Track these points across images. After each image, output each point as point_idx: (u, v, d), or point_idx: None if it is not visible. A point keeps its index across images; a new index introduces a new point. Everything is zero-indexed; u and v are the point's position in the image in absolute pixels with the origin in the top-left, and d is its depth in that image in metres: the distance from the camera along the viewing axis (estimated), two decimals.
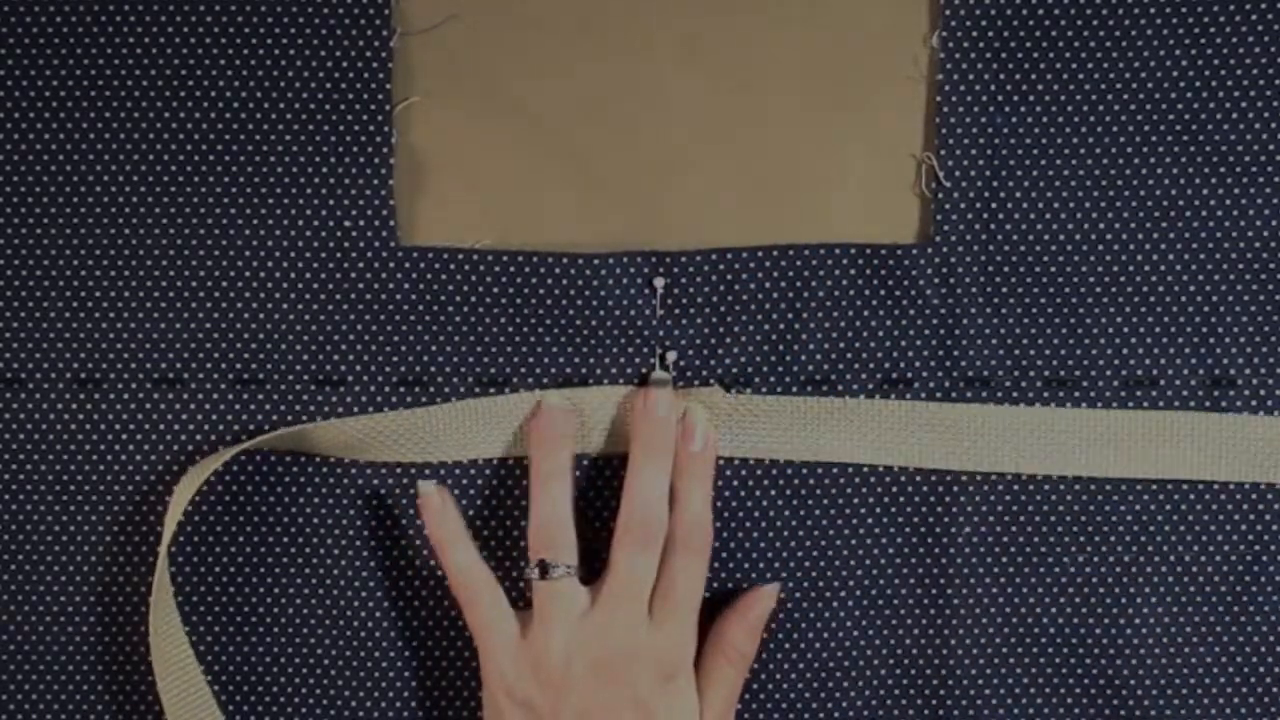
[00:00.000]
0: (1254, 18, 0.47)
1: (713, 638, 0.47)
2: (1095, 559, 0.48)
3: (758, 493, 0.48)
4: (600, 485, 0.49)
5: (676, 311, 0.48)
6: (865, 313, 0.48)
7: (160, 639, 0.47)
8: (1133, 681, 0.48)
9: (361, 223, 0.48)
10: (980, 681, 0.48)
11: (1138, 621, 0.48)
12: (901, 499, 0.48)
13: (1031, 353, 0.48)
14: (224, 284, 0.49)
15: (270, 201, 0.48)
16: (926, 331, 0.48)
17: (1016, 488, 0.48)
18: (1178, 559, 0.48)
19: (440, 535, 0.46)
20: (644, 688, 0.44)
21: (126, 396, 0.49)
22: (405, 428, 0.48)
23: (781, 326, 0.48)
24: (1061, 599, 0.48)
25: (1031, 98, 0.47)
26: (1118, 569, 0.48)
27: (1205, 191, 0.47)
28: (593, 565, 0.46)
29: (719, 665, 0.46)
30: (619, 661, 0.44)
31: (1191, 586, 0.48)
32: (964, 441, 0.48)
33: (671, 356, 0.48)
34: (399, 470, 0.49)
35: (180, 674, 0.48)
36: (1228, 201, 0.47)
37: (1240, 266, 0.47)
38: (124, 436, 0.49)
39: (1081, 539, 0.48)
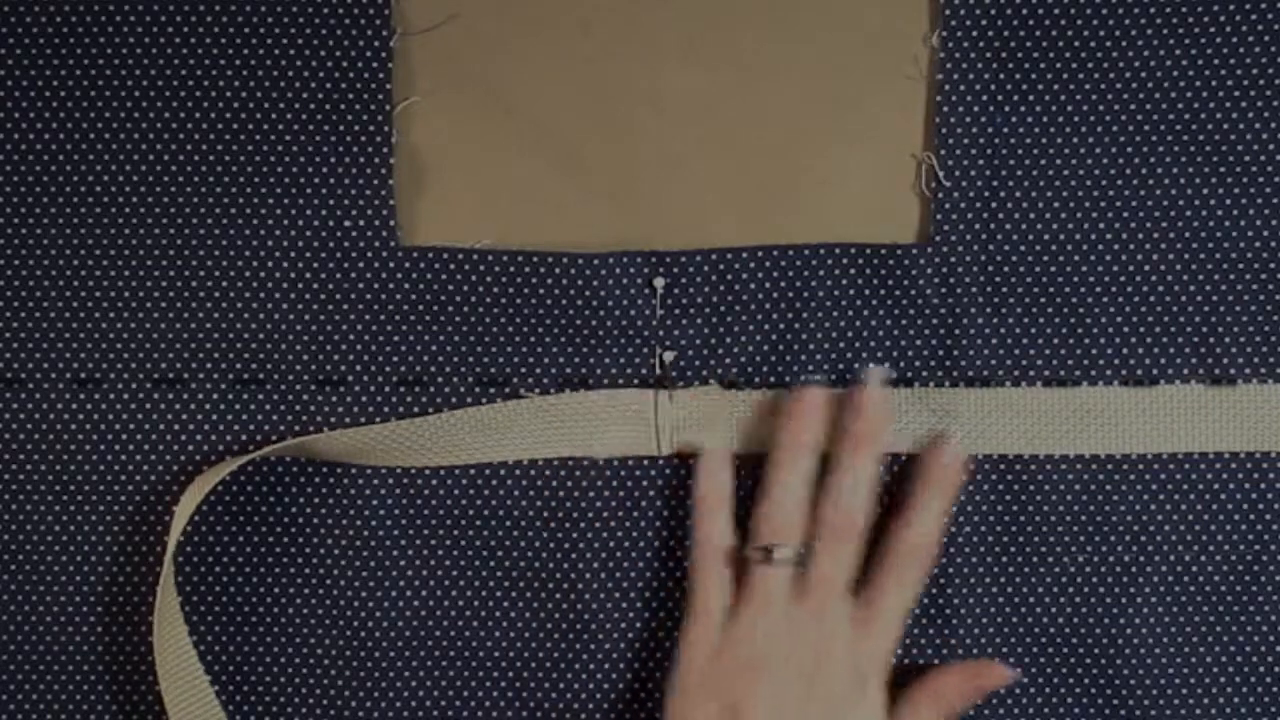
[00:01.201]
0: (1254, 18, 0.47)
1: (930, 677, 0.47)
2: (1095, 558, 0.48)
3: (758, 492, 0.48)
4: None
5: (676, 311, 0.48)
6: (865, 313, 0.48)
7: (165, 648, 0.47)
8: (1132, 681, 0.48)
9: (361, 223, 0.48)
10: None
11: (1137, 621, 0.48)
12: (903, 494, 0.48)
13: (1031, 352, 0.48)
14: (224, 284, 0.49)
15: (270, 201, 0.48)
16: (926, 331, 0.48)
17: (1017, 486, 0.48)
18: (1178, 558, 0.48)
19: (709, 496, 0.47)
20: (838, 686, 0.44)
21: (126, 396, 0.49)
22: (407, 435, 0.48)
23: (781, 326, 0.48)
24: (1061, 598, 0.48)
25: (1031, 98, 0.47)
26: (1118, 568, 0.48)
27: (1205, 191, 0.47)
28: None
29: (924, 702, 0.46)
30: (818, 655, 0.44)
31: (1191, 586, 0.48)
32: (965, 425, 0.48)
33: (670, 356, 0.48)
34: (400, 473, 0.49)
35: (185, 680, 0.48)
36: (1228, 201, 0.47)
37: (1240, 266, 0.47)
38: (124, 436, 0.49)
39: (1082, 538, 0.48)
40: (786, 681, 0.44)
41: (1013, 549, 0.48)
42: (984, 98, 0.47)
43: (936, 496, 0.46)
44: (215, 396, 0.49)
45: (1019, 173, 0.47)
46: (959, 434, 0.48)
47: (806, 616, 0.45)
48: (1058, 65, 0.47)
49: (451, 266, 0.48)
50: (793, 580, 0.45)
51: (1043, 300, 0.48)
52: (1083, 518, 0.48)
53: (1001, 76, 0.47)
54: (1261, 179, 0.47)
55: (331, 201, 0.48)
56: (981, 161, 0.48)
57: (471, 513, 0.49)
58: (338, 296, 0.49)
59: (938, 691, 0.46)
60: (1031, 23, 0.47)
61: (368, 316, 0.49)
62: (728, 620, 0.45)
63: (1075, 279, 0.48)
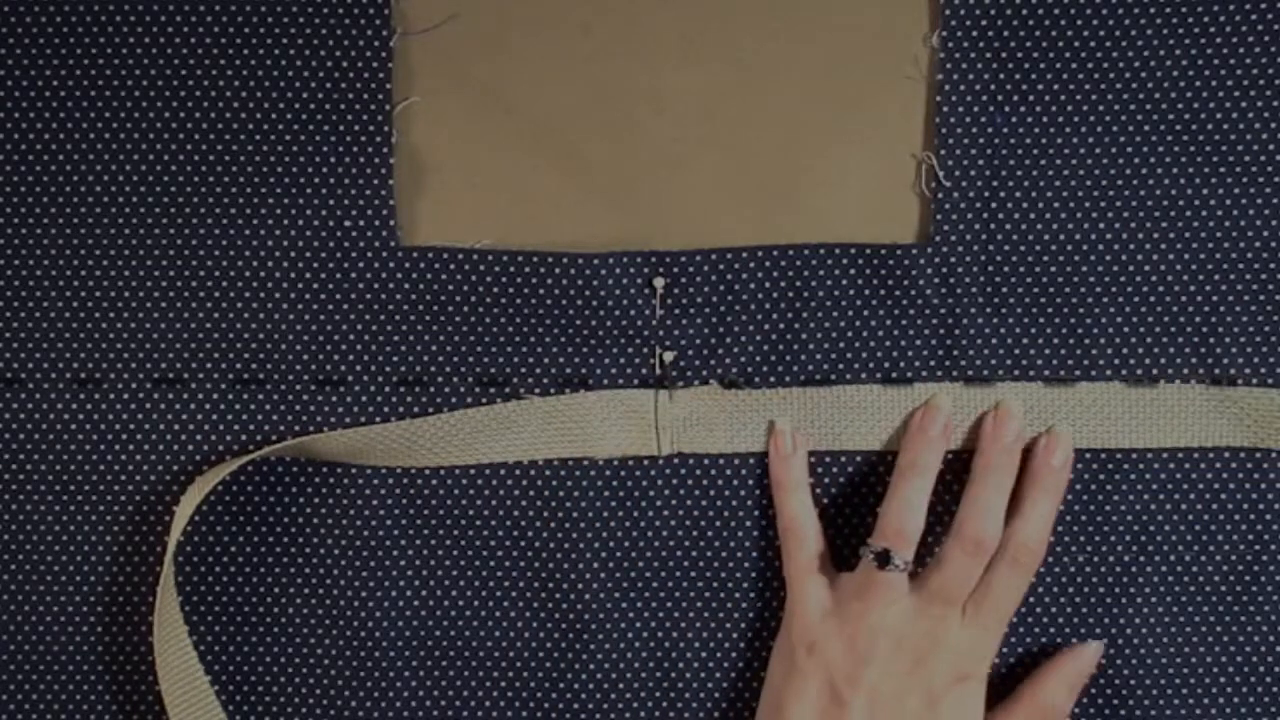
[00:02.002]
0: (1254, 18, 0.47)
1: (1030, 686, 0.47)
2: (1095, 556, 0.48)
3: (758, 491, 0.48)
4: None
5: (676, 311, 0.48)
6: (865, 313, 0.48)
7: (165, 646, 0.47)
8: (1132, 681, 0.48)
9: (361, 223, 0.48)
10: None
11: (1137, 620, 0.48)
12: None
13: (1031, 352, 0.48)
14: (224, 284, 0.49)
15: (270, 201, 0.48)
16: (926, 331, 0.48)
17: None
18: (1178, 557, 0.48)
19: (782, 477, 0.47)
20: (938, 680, 0.45)
21: (126, 396, 0.49)
22: (407, 435, 0.48)
23: (781, 326, 0.48)
24: (1061, 598, 0.48)
25: (1031, 98, 0.47)
26: (1118, 567, 0.48)
27: (1205, 191, 0.47)
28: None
29: (1029, 713, 0.46)
30: (923, 649, 0.45)
31: (1191, 586, 0.48)
32: (967, 422, 0.48)
33: (670, 356, 0.48)
34: (400, 473, 0.49)
35: (185, 680, 0.48)
36: (1228, 201, 0.47)
37: (1240, 266, 0.47)
38: (124, 436, 0.49)
39: (1082, 537, 0.48)
40: (891, 672, 0.45)
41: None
42: (984, 98, 0.47)
43: (1046, 497, 0.46)
44: (215, 396, 0.49)
45: (1019, 173, 0.47)
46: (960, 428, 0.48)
47: (923, 613, 0.45)
48: (1058, 65, 0.47)
49: (451, 266, 0.48)
50: (913, 579, 0.46)
51: (1043, 300, 0.48)
52: (1083, 517, 0.48)
53: (1001, 76, 0.47)
54: (1261, 179, 0.47)
55: (331, 201, 0.48)
56: (981, 161, 0.48)
57: (471, 513, 0.49)
58: (338, 296, 0.48)
59: (1041, 695, 0.46)
60: (1031, 23, 0.47)
61: (368, 316, 0.49)
62: (842, 604, 0.46)
63: (1075, 279, 0.48)
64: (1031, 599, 0.48)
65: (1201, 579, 0.48)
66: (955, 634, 0.45)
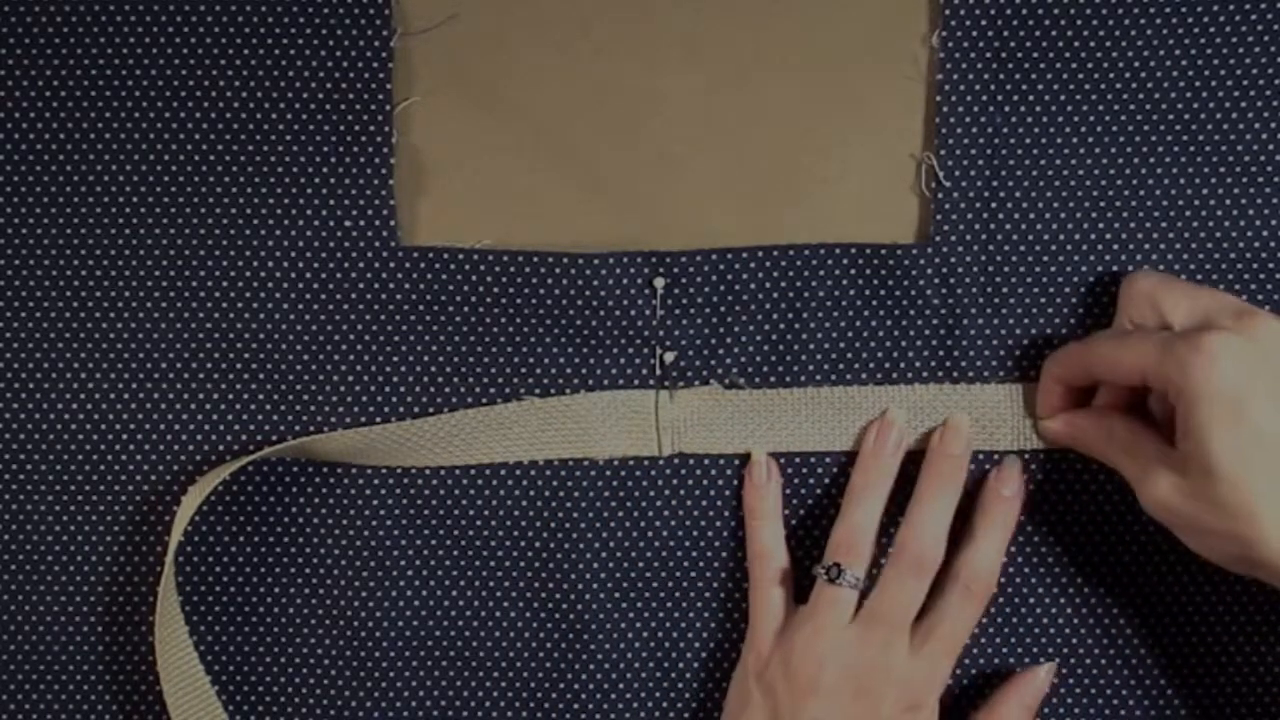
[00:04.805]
0: (1254, 18, 0.47)
1: (985, 712, 0.47)
2: (1095, 557, 0.48)
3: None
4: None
5: (676, 311, 0.48)
6: (865, 313, 0.48)
7: (166, 647, 0.47)
8: (1133, 681, 0.48)
9: (361, 223, 0.48)
10: (978, 674, 0.48)
11: (1137, 621, 0.48)
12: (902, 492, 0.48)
13: (1032, 353, 0.48)
14: (224, 284, 0.49)
15: (270, 202, 0.48)
16: (926, 331, 0.48)
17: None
18: (1177, 558, 0.48)
19: (756, 506, 0.47)
20: (887, 710, 0.44)
21: (126, 396, 0.49)
22: (407, 435, 0.48)
23: (781, 326, 0.48)
24: (1062, 598, 0.48)
25: (1031, 98, 0.47)
26: (1118, 568, 0.48)
27: (1205, 191, 0.47)
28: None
29: None
30: (869, 678, 0.44)
31: (1191, 586, 0.48)
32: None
33: (670, 356, 0.48)
34: (400, 473, 0.49)
35: (185, 680, 0.48)
36: (1228, 201, 0.47)
37: (1240, 266, 0.47)
38: (124, 436, 0.49)
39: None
40: (837, 702, 0.44)
41: (1011, 548, 0.48)
42: (984, 98, 0.47)
43: (997, 529, 0.46)
44: (215, 396, 0.49)
45: (1019, 173, 0.47)
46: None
47: (867, 638, 0.44)
48: (1058, 65, 0.47)
49: (451, 266, 0.48)
50: (859, 603, 0.45)
51: (1043, 300, 0.48)
52: (1083, 517, 0.48)
53: (1001, 76, 0.47)
54: (1261, 179, 0.47)
55: (331, 201, 0.48)
56: (981, 161, 0.48)
57: (471, 513, 0.49)
58: (338, 296, 0.49)
59: (996, 718, 0.46)
60: (1031, 23, 0.47)
61: (368, 316, 0.49)
62: (790, 631, 0.45)
63: (1075, 279, 0.48)
64: (1032, 599, 0.48)
65: (1201, 579, 0.48)
66: (903, 663, 0.44)
